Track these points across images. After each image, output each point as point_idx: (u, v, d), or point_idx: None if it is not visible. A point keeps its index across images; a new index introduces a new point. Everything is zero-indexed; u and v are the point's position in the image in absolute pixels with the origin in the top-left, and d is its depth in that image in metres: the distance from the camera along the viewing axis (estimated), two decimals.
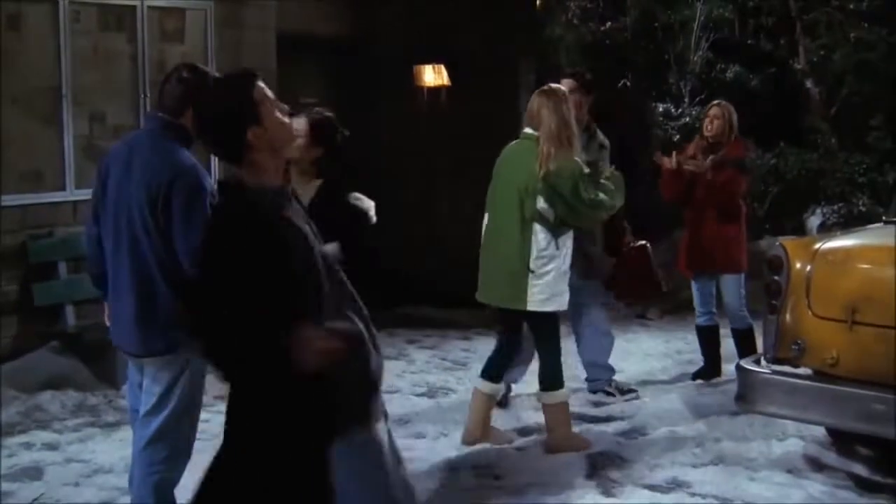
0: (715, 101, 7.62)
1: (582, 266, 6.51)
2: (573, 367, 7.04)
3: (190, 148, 4.47)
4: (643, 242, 7.01)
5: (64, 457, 6.01)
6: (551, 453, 5.94)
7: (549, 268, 5.81)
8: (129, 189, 4.41)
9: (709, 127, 7.34)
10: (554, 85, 6.07)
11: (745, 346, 7.26)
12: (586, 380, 7.16)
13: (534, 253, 5.81)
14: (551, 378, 6.02)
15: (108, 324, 4.70)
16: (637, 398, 7.04)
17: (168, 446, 4.43)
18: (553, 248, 5.82)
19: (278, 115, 3.25)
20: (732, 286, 7.34)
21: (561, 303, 5.92)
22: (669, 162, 7.28)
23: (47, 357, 7.44)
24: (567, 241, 5.88)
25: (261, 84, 3.24)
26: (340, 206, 4.61)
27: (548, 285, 5.82)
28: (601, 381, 7.09)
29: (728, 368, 7.14)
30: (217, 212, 3.41)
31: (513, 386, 6.88)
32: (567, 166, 5.74)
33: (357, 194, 4.79)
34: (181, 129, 4.45)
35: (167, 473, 4.45)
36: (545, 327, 6.00)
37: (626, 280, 6.96)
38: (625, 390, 7.10)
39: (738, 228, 7.35)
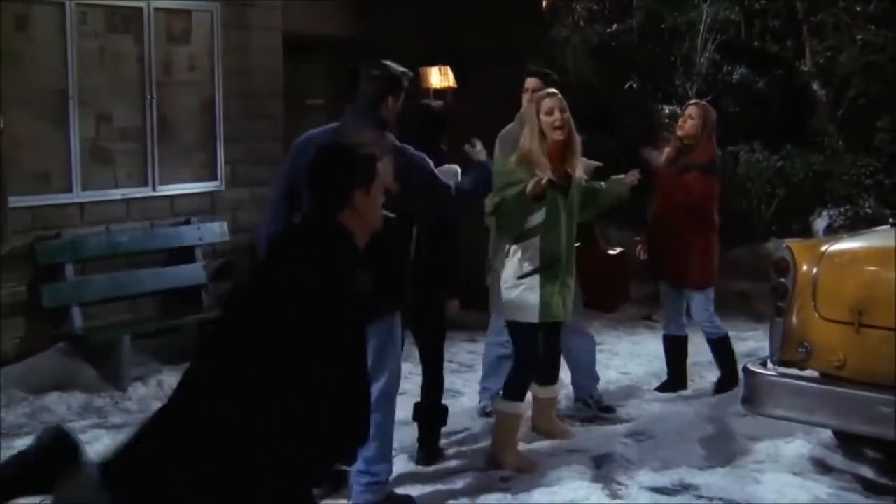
0: (692, 101, 7.43)
1: None
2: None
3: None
4: (621, 250, 6.77)
5: None
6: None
7: (502, 273, 5.78)
8: None
9: (682, 126, 7.14)
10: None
11: (721, 354, 7.17)
12: (572, 383, 6.94)
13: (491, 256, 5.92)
14: (508, 387, 5.92)
15: None
16: (613, 416, 6.78)
17: None
18: (502, 253, 5.82)
19: (380, 196, 3.57)
20: (700, 300, 7.13)
21: (524, 314, 5.71)
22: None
23: (54, 358, 7.46)
24: (523, 246, 5.68)
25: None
26: None
27: (500, 292, 5.80)
28: (584, 387, 6.87)
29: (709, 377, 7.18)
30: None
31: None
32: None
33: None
34: (382, 119, 5.06)
35: None
36: (515, 336, 5.87)
37: (599, 288, 6.62)
38: (603, 406, 6.85)
39: (707, 240, 7.06)
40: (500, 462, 5.82)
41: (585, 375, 6.89)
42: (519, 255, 5.69)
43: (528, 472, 5.72)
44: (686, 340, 7.35)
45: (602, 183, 6.15)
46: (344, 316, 3.25)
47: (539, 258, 5.67)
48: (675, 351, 7.37)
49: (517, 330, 5.81)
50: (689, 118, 7.12)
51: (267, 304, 3.27)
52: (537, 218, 5.64)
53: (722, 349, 7.17)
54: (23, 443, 6.17)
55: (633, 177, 6.15)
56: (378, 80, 5.16)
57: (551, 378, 6.29)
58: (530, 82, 6.54)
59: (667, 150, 7.23)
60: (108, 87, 8.08)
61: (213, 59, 8.73)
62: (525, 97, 6.44)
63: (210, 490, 3.12)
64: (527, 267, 5.67)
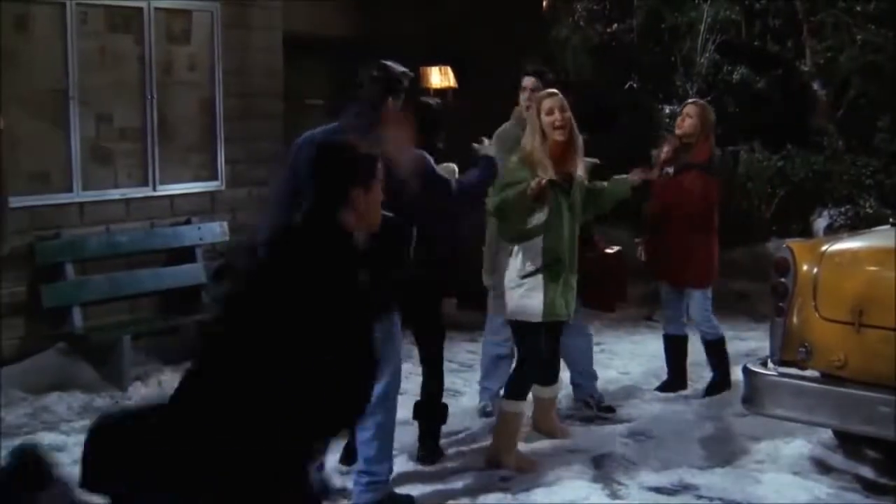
0: (691, 100, 7.42)
1: None
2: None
3: None
4: (618, 248, 6.72)
5: (71, 458, 5.97)
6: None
7: (505, 273, 5.81)
8: None
9: (680, 125, 7.12)
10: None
11: (715, 355, 7.16)
12: (571, 383, 6.93)
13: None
14: (511, 387, 5.92)
15: None
16: (613, 416, 6.76)
17: None
18: (504, 253, 5.86)
19: (379, 196, 3.53)
20: (698, 300, 7.11)
21: (527, 314, 5.73)
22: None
23: (54, 358, 7.46)
24: (525, 246, 5.71)
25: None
26: None
27: (502, 292, 5.85)
28: (584, 387, 6.88)
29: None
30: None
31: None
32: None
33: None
34: (382, 120, 5.07)
35: None
36: (518, 336, 5.91)
37: (597, 287, 6.52)
38: (603, 406, 6.83)
39: (707, 240, 7.02)
40: (500, 462, 5.80)
41: (583, 374, 6.89)
42: (521, 254, 5.70)
43: (530, 472, 5.71)
44: (686, 340, 7.34)
45: (604, 182, 6.14)
46: (346, 314, 3.26)
47: (541, 258, 5.68)
48: (676, 351, 7.36)
49: (520, 330, 5.81)
50: (688, 117, 7.11)
51: (268, 305, 3.25)
52: (539, 218, 5.64)
53: (716, 351, 7.15)
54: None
55: (635, 176, 6.15)
56: (379, 81, 5.23)
57: (552, 378, 6.29)
58: (528, 81, 6.57)
59: (665, 149, 7.21)
60: (108, 87, 8.08)
61: (214, 59, 8.73)
62: (522, 96, 6.48)
63: (203, 476, 3.13)
64: (529, 267, 5.68)
